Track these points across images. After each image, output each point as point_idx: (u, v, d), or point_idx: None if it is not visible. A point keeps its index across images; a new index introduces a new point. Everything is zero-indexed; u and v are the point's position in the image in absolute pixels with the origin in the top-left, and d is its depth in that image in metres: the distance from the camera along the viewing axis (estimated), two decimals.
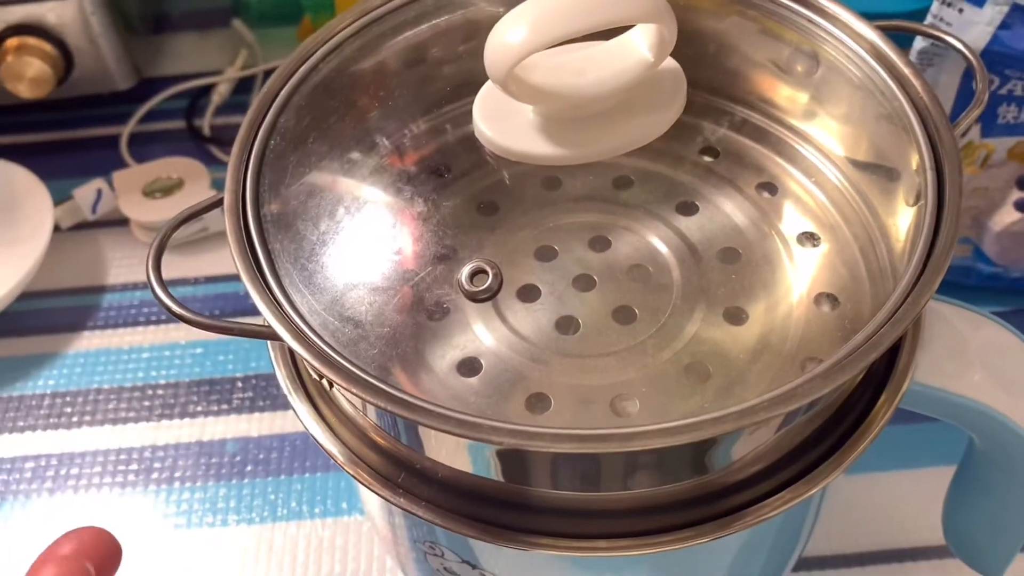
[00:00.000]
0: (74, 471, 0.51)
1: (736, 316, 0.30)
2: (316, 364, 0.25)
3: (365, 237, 0.32)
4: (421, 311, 0.30)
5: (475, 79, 0.33)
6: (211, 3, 0.74)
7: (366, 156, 0.34)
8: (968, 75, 0.47)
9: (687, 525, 0.28)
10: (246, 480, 0.50)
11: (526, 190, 0.34)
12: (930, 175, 0.29)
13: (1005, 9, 0.44)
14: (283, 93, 0.33)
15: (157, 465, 0.51)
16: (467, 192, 0.34)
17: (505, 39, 0.28)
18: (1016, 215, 0.50)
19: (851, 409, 0.30)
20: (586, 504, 0.28)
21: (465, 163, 0.34)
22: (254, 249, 0.29)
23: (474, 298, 0.30)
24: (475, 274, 0.30)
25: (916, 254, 0.27)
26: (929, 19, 0.47)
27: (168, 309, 0.27)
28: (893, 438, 0.30)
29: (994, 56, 0.45)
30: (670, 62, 0.31)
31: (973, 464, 0.37)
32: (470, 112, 0.32)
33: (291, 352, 0.32)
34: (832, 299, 0.31)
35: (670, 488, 0.28)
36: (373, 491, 0.29)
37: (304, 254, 0.30)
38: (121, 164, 0.64)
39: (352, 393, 0.25)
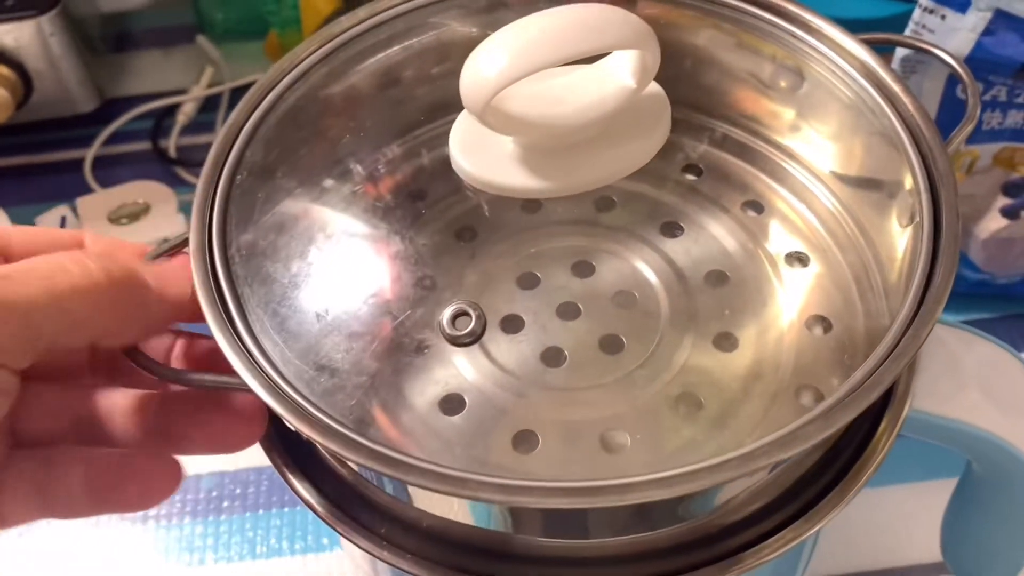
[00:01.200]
0: None
1: (726, 342, 0.29)
2: (292, 420, 0.24)
3: (339, 277, 0.31)
4: (401, 354, 0.29)
5: (449, 101, 0.31)
6: (175, 20, 0.73)
7: (339, 186, 0.33)
8: (952, 81, 0.46)
9: (684, 570, 0.27)
10: (223, 516, 0.48)
11: (505, 214, 0.32)
12: (924, 197, 0.28)
13: (988, 15, 0.44)
14: (248, 125, 0.31)
15: None
16: (444, 218, 0.32)
17: (481, 70, 0.26)
18: (1002, 221, 0.50)
19: (849, 442, 0.29)
20: (577, 551, 0.27)
21: (442, 188, 0.33)
22: (222, 293, 0.27)
23: (457, 343, 0.29)
24: (457, 316, 0.29)
25: (915, 281, 0.26)
26: (911, 26, 0.46)
27: (136, 363, 0.26)
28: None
29: (978, 63, 0.45)
30: (653, 86, 0.30)
31: (971, 485, 0.37)
32: (445, 135, 0.31)
33: None
34: (824, 322, 0.30)
35: (664, 532, 0.27)
36: (357, 545, 0.28)
37: (275, 298, 0.29)
38: (86, 188, 0.62)
39: (329, 451, 0.24)
